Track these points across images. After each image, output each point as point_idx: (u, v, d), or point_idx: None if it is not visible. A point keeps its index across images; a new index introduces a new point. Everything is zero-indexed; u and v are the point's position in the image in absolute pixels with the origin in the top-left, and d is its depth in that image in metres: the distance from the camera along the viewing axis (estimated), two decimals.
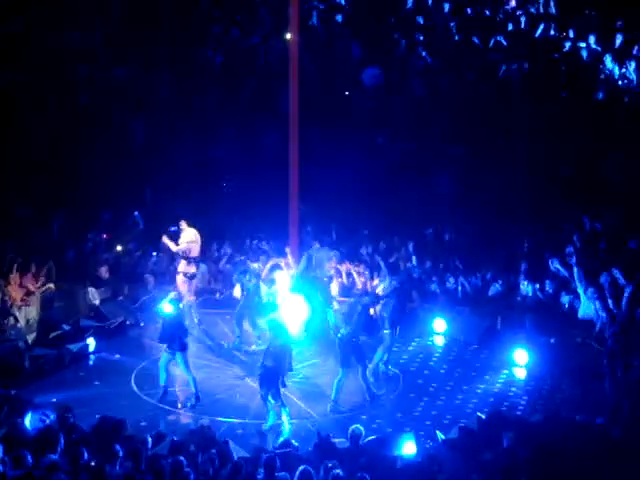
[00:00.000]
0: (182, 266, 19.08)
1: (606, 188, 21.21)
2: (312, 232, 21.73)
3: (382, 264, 19.88)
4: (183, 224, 19.19)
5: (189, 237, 19.07)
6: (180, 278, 19.05)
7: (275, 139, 23.21)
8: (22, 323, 18.19)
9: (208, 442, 13.24)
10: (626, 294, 16.67)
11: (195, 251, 19.13)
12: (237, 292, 19.11)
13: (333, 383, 16.05)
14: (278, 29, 24.30)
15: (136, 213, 21.86)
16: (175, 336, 16.14)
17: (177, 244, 19.01)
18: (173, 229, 19.39)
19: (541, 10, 25.06)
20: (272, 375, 15.39)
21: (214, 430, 13.78)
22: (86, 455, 11.72)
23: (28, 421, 13.53)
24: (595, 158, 21.79)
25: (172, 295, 16.47)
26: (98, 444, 12.58)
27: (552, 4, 24.97)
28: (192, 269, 19.12)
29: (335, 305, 19.18)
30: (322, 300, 19.20)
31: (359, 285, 19.73)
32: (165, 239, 19.15)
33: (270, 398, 15.36)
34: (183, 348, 16.16)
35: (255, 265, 19.55)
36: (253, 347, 18.47)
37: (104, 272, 20.19)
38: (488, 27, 24.66)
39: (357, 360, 16.13)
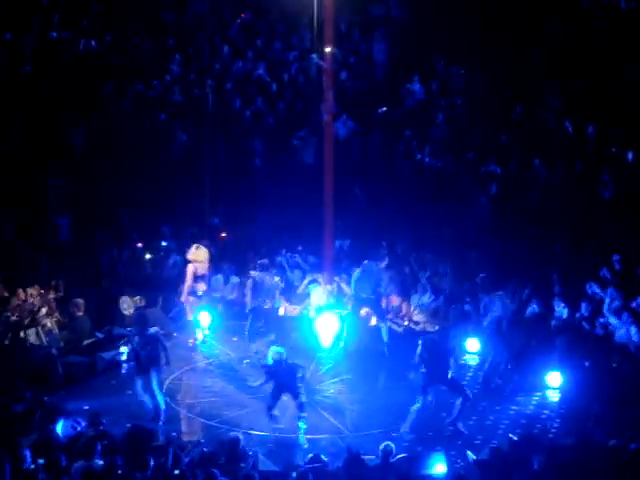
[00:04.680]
0: (190, 283, 19.13)
1: None
2: (347, 248, 21.67)
3: (425, 281, 19.88)
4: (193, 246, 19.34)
5: (195, 256, 19.17)
6: (188, 296, 19.17)
7: (312, 152, 23.27)
8: (56, 330, 18.27)
9: (238, 455, 13.23)
10: None
11: (202, 269, 19.13)
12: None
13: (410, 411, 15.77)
14: (317, 44, 24.32)
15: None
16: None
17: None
18: None
19: None
20: None
21: (245, 443, 13.77)
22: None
23: (60, 428, 13.59)
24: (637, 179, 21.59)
25: None
26: (129, 453, 12.61)
27: None
28: (201, 287, 19.17)
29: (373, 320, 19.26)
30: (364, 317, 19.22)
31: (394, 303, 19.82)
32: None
33: None
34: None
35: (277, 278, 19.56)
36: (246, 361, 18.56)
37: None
38: None
39: (455, 390, 15.89)
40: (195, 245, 19.37)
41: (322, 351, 18.99)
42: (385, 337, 18.99)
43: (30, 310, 18.27)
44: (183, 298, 19.37)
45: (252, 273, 18.90)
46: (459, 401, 15.79)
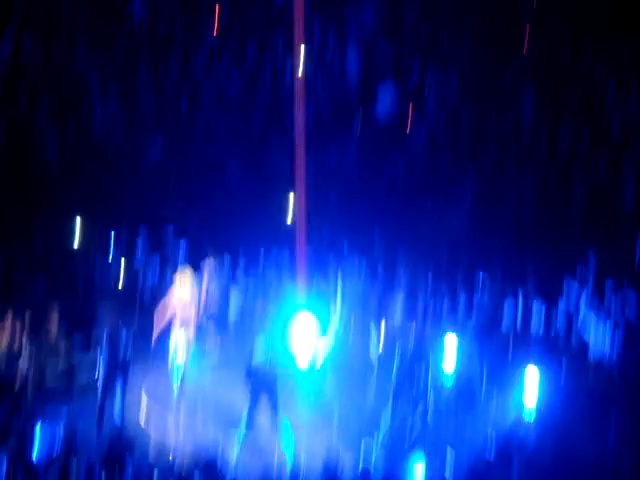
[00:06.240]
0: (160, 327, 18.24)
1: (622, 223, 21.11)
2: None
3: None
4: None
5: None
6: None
7: (285, 160, 23.27)
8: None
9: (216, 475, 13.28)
10: None
11: (185, 314, 18.12)
12: None
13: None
14: (288, 53, 24.32)
15: None
16: None
17: None
18: None
19: None
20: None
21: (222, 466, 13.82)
22: None
23: (35, 453, 13.60)
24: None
25: None
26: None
27: None
28: (188, 334, 18.12)
29: None
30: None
31: None
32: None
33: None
34: None
35: None
36: None
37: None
38: None
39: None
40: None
41: (299, 359, 18.79)
42: (374, 347, 18.91)
43: None
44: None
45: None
46: (420, 408, 15.96)
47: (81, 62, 24.37)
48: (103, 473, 13.16)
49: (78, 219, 21.91)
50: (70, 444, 13.83)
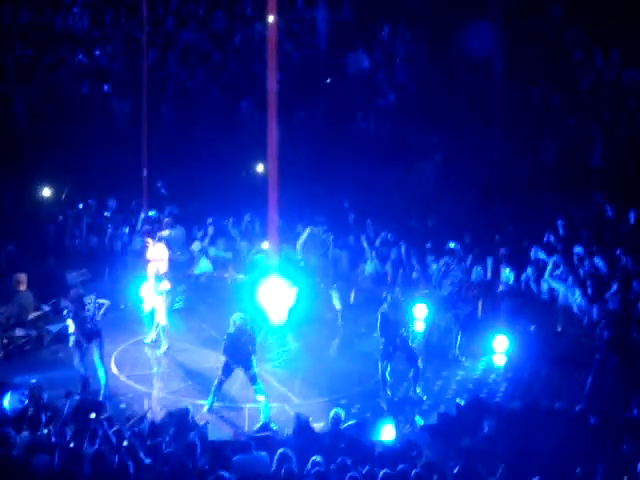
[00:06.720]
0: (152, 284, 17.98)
1: (590, 175, 21.20)
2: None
3: (370, 248, 19.92)
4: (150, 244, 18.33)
5: (154, 255, 18.08)
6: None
7: (256, 122, 23.20)
8: None
9: (188, 425, 13.24)
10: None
11: (163, 267, 18.02)
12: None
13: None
14: (261, 12, 24.23)
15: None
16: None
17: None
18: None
19: None
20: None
21: (194, 413, 13.79)
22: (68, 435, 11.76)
23: (7, 402, 13.51)
24: (579, 145, 21.79)
25: None
26: (76, 425, 12.60)
27: None
28: (165, 285, 17.91)
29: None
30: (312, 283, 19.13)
31: None
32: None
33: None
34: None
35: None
36: None
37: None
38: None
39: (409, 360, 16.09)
40: (152, 242, 18.30)
41: (269, 319, 18.88)
42: (338, 305, 18.98)
43: None
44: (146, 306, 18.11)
45: (162, 234, 18.77)
46: (412, 372, 16.00)
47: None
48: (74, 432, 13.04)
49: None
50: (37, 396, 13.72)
